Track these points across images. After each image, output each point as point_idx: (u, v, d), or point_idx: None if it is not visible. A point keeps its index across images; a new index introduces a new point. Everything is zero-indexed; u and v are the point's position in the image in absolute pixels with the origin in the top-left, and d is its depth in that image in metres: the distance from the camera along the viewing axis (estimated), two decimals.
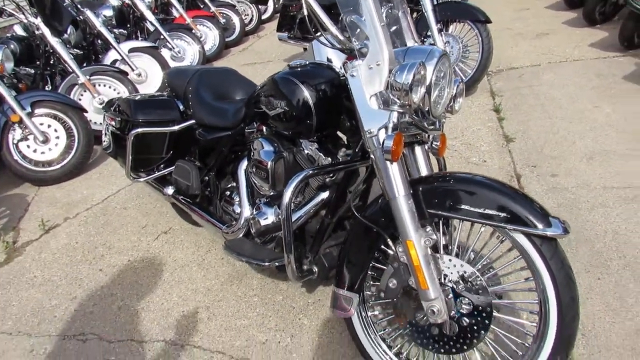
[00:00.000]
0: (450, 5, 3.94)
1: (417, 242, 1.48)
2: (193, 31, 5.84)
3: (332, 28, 1.57)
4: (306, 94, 1.71)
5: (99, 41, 5.00)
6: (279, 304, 2.24)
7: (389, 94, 1.44)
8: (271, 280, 2.38)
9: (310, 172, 1.66)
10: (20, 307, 2.47)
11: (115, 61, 4.87)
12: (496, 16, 6.27)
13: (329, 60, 1.89)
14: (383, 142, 1.40)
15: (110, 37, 4.74)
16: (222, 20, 6.67)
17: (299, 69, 1.79)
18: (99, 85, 4.35)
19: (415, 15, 4.12)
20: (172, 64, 5.47)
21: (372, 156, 1.50)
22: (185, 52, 5.75)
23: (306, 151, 1.91)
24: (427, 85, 1.45)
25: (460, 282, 1.55)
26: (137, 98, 2.48)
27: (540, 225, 1.38)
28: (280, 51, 6.57)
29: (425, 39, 4.00)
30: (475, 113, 3.82)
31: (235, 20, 7.00)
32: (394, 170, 1.48)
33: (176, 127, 2.38)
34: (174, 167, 2.48)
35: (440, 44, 3.89)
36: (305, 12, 1.59)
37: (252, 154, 1.98)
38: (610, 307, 1.97)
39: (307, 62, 1.83)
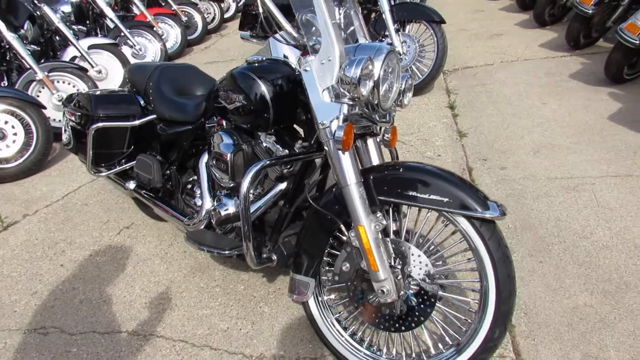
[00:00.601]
0: (406, 6, 4.09)
1: (367, 226, 1.57)
2: (154, 29, 5.81)
3: (287, 26, 1.66)
4: (263, 88, 1.78)
5: (57, 37, 4.92)
6: (240, 294, 2.30)
7: (339, 88, 1.53)
8: (233, 271, 2.45)
9: (267, 162, 1.73)
10: None
11: (74, 58, 4.82)
12: (452, 18, 6.51)
13: (285, 56, 1.96)
14: (334, 133, 1.49)
15: (68, 34, 4.68)
16: (184, 18, 6.65)
17: (256, 64, 1.86)
18: (58, 82, 4.30)
19: (374, 15, 4.25)
20: (133, 61, 5.44)
21: (325, 147, 1.59)
22: (147, 50, 5.72)
23: (264, 144, 1.98)
24: (375, 80, 1.55)
25: (407, 264, 1.66)
26: (97, 93, 2.49)
27: (479, 209, 1.50)
28: (243, 50, 6.61)
29: (384, 39, 4.13)
30: (431, 110, 3.97)
31: (198, 18, 6.99)
32: (346, 160, 1.57)
33: (137, 122, 2.41)
34: (135, 161, 2.51)
35: (397, 43, 4.02)
36: (261, 10, 1.68)
37: (212, 147, 2.04)
38: (550, 288, 2.12)
39: (264, 58, 1.90)
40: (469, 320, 1.64)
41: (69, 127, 2.65)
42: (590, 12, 4.29)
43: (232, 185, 2.01)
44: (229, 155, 1.93)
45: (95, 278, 2.54)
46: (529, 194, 2.76)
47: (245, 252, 1.76)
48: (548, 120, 3.53)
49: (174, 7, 6.54)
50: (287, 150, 1.93)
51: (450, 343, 1.68)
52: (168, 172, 2.43)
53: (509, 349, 1.85)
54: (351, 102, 1.53)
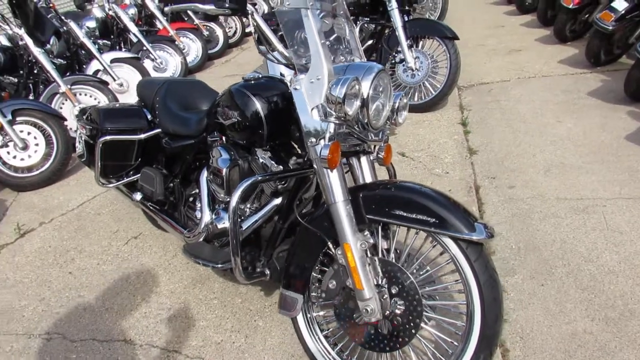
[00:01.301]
0: (419, 22, 4.09)
1: (353, 244, 1.58)
2: (176, 43, 5.96)
3: (278, 45, 1.69)
4: (257, 105, 1.82)
5: (83, 51, 5.10)
6: (237, 307, 2.32)
7: (327, 106, 1.55)
8: (232, 284, 2.47)
9: (258, 178, 1.76)
10: None
11: (97, 71, 4.98)
12: (471, 33, 6.49)
13: (281, 74, 1.99)
14: (320, 152, 1.51)
15: (92, 48, 4.85)
16: (206, 33, 6.80)
17: (252, 82, 1.90)
18: (80, 94, 4.45)
19: (387, 31, 4.26)
20: (154, 74, 5.59)
21: (314, 164, 1.61)
22: (168, 64, 5.87)
23: (260, 159, 2.01)
24: (364, 99, 1.56)
25: (394, 283, 1.65)
26: (106, 107, 2.57)
27: (465, 230, 1.48)
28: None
29: (396, 55, 4.15)
30: (443, 126, 3.95)
31: (219, 32, 7.14)
32: (333, 178, 1.58)
33: (142, 136, 2.47)
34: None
35: (410, 59, 4.04)
36: (253, 30, 1.71)
37: (210, 161, 2.08)
38: (549, 312, 2.07)
39: (261, 76, 1.93)
40: (455, 343, 1.62)
41: (82, 139, 2.74)
42: (611, 28, 4.22)
43: (228, 199, 2.04)
44: (224, 169, 1.96)
45: (100, 286, 2.60)
46: (536, 214, 2.70)
47: (234, 266, 1.78)
48: (562, 139, 3.46)
49: (196, 21, 6.70)
50: (281, 167, 1.95)
51: None
52: (172, 185, 2.48)
53: None
54: (337, 121, 1.55)
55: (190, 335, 2.19)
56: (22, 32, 4.16)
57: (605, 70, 4.60)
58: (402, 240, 1.76)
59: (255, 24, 1.70)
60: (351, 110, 1.51)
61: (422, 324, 1.63)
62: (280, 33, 1.73)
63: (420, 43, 4.23)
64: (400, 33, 4.01)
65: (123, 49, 5.85)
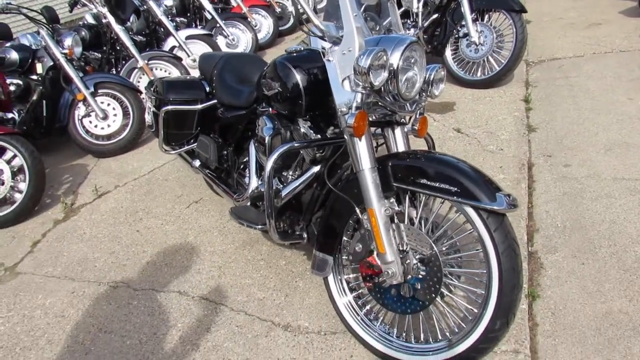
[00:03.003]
0: None
1: (378, 210, 1.66)
2: (248, 20, 6.16)
3: (315, 20, 1.77)
4: (297, 77, 1.92)
5: (161, 29, 5.43)
6: (281, 268, 2.48)
7: (354, 77, 1.62)
8: (278, 248, 2.63)
9: (294, 145, 1.87)
10: (70, 257, 2.88)
11: (173, 47, 5.29)
12: (550, 6, 6.16)
13: (322, 47, 2.07)
14: (347, 120, 1.59)
15: (169, 25, 5.15)
16: (278, 10, 6.94)
17: (294, 55, 2.00)
18: (156, 69, 4.77)
19: (452, 4, 4.17)
20: (227, 50, 5.83)
21: (344, 133, 1.70)
22: (240, 40, 6.09)
23: (302, 129, 2.12)
24: (391, 70, 1.62)
25: (418, 250, 1.71)
26: (170, 79, 2.79)
27: (487, 200, 1.52)
28: None
29: (460, 29, 4.07)
30: (504, 103, 3.85)
31: (291, 9, 7.25)
32: (360, 145, 1.67)
33: (200, 106, 2.66)
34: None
35: (473, 33, 3.95)
36: (291, 5, 1.81)
37: (256, 130, 2.22)
38: (586, 291, 2.04)
39: (302, 48, 2.03)
40: (475, 310, 1.67)
41: (150, 110, 2.98)
42: None
43: None
44: (267, 137, 2.10)
45: (162, 244, 2.86)
46: (588, 193, 2.62)
47: (268, 227, 1.92)
48: (630, 117, 3.28)
49: None
50: (319, 135, 2.05)
51: (456, 330, 1.71)
52: (225, 152, 2.66)
53: (526, 345, 1.84)
54: (364, 92, 1.61)
55: (237, 291, 2.38)
56: (105, 10, 4.52)
57: None
58: (432, 209, 1.81)
59: None
60: (377, 81, 1.57)
61: (443, 289, 1.69)
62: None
63: (487, 16, 4.11)
64: (465, 6, 3.93)
65: (199, 27, 6.14)
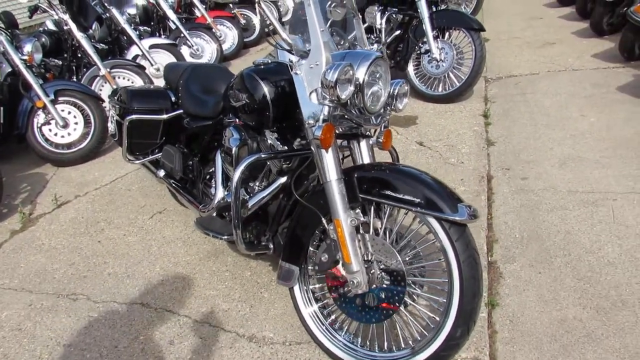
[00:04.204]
0: (446, 13, 4.12)
1: (344, 221, 1.69)
2: (213, 30, 6.15)
3: (282, 32, 1.80)
4: (265, 89, 1.93)
5: (124, 37, 5.36)
6: (246, 279, 2.48)
7: (321, 90, 1.66)
8: (243, 258, 2.62)
9: (261, 156, 1.89)
10: (27, 268, 2.79)
11: (137, 56, 5.23)
12: (507, 25, 6.42)
13: (290, 60, 2.10)
14: (314, 132, 1.62)
15: (132, 34, 5.10)
16: (243, 21, 6.96)
17: (261, 67, 2.02)
18: (119, 77, 4.70)
19: (414, 22, 4.30)
20: (190, 60, 5.80)
21: (311, 145, 1.73)
22: (204, 50, 6.07)
23: (269, 140, 2.14)
24: (357, 84, 1.66)
25: (383, 260, 1.75)
26: (134, 88, 2.76)
27: (448, 211, 1.57)
28: None
29: (422, 45, 4.19)
30: (464, 117, 3.98)
31: (256, 21, 7.28)
32: (327, 157, 1.70)
33: (165, 116, 2.64)
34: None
35: (434, 50, 4.07)
36: (258, 18, 1.83)
37: (223, 140, 2.23)
38: (542, 299, 2.12)
39: (270, 61, 2.05)
40: (437, 318, 1.71)
41: (114, 119, 2.94)
42: None
43: None
44: (234, 148, 2.10)
45: (124, 255, 2.81)
46: (544, 205, 2.73)
47: (235, 237, 1.92)
48: (582, 133, 3.44)
49: (234, 10, 6.85)
50: (286, 147, 2.07)
51: (419, 338, 1.75)
52: (191, 163, 2.65)
53: (485, 352, 1.89)
54: (331, 105, 1.65)
55: (201, 302, 2.35)
56: (66, 17, 4.44)
57: (639, 65, 4.48)
58: (396, 220, 1.86)
59: (261, 11, 1.82)
60: (343, 94, 1.60)
61: (407, 299, 1.74)
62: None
63: (447, 34, 4.25)
64: (427, 24, 4.05)
65: (162, 36, 6.09)
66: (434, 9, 4.14)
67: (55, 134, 4.08)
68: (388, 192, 1.66)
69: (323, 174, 1.71)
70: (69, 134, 4.11)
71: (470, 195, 2.89)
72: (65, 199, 3.56)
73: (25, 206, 3.52)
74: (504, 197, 2.86)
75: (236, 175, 1.82)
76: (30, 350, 2.18)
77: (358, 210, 1.76)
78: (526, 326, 2.00)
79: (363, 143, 1.94)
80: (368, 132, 1.95)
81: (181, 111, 2.66)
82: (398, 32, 4.48)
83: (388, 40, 4.44)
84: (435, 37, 4.10)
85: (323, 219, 1.80)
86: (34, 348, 2.19)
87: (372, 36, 4.60)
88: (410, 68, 4.44)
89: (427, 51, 4.15)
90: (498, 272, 2.31)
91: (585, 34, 5.61)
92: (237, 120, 2.27)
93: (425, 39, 4.12)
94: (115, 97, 2.89)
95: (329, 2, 1.96)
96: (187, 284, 2.49)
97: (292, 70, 1.77)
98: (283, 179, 2.12)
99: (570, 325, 1.97)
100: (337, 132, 1.86)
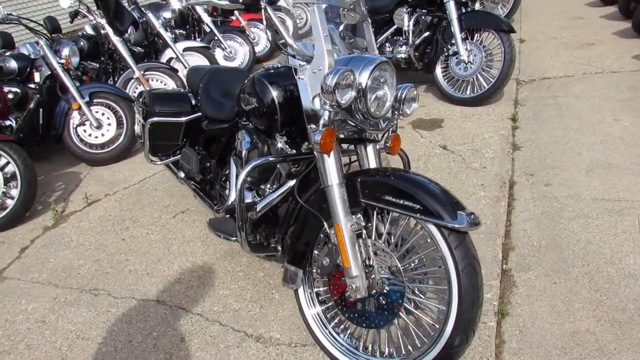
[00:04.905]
0: (475, 14, 4.04)
1: (344, 225, 1.69)
2: (246, 33, 6.25)
3: (287, 38, 1.82)
4: (273, 93, 1.96)
5: (160, 40, 5.52)
6: (258, 280, 2.51)
7: (322, 95, 1.67)
8: (258, 259, 2.66)
9: (269, 159, 1.92)
10: (55, 263, 2.93)
11: (171, 59, 5.37)
12: (546, 26, 6.23)
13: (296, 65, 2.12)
14: (315, 136, 1.64)
15: (167, 37, 5.24)
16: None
17: (271, 71, 2.05)
18: (152, 80, 4.85)
19: (443, 23, 4.23)
20: (224, 63, 5.92)
21: (313, 149, 1.74)
22: (237, 53, 6.17)
23: (278, 144, 2.17)
24: (359, 89, 1.66)
25: (383, 265, 1.74)
26: (157, 91, 2.85)
27: (448, 218, 1.55)
28: None
29: (450, 47, 4.12)
30: (491, 121, 3.89)
31: (289, 23, 7.34)
32: (328, 161, 1.71)
33: (184, 118, 2.72)
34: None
35: (463, 52, 4.00)
36: (265, 24, 1.86)
37: (235, 143, 2.27)
38: (555, 310, 2.06)
39: (280, 66, 2.08)
40: (436, 325, 1.69)
41: (139, 121, 3.04)
42: None
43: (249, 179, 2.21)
44: (244, 151, 2.15)
45: (145, 253, 2.90)
46: (566, 213, 2.64)
47: (239, 238, 1.96)
48: (614, 138, 3.30)
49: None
50: (294, 150, 2.09)
51: (419, 345, 1.73)
52: (208, 164, 2.71)
53: None
54: (332, 109, 1.66)
55: (214, 301, 2.41)
56: (103, 21, 4.62)
57: None
58: (399, 226, 1.84)
59: (267, 16, 1.85)
60: (343, 99, 1.61)
61: (407, 305, 1.72)
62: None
63: (476, 36, 4.16)
64: (455, 25, 3.99)
65: (197, 39, 6.23)
66: (464, 10, 4.07)
67: (90, 135, 4.25)
68: (389, 198, 1.66)
69: (324, 178, 1.72)
70: (102, 135, 4.27)
71: (489, 201, 2.83)
72: (96, 197, 3.71)
73: (59, 204, 3.69)
74: (525, 203, 2.78)
75: (240, 177, 1.86)
76: (52, 342, 2.29)
77: (359, 215, 1.76)
78: (536, 337, 1.94)
79: (370, 148, 1.94)
80: (375, 137, 1.95)
81: (200, 114, 2.72)
82: (426, 34, 4.42)
83: (416, 42, 4.39)
84: (464, 39, 4.03)
85: (325, 223, 1.81)
86: (55, 340, 2.30)
87: (400, 38, 4.57)
88: (438, 70, 4.37)
89: (456, 53, 4.08)
90: (511, 280, 2.25)
91: (627, 35, 5.37)
92: (250, 123, 2.32)
93: (453, 41, 4.05)
94: (140, 100, 2.99)
95: (341, 7, 1.98)
96: (202, 283, 2.55)
97: (296, 74, 1.79)
98: (292, 182, 2.13)
99: (582, 338, 1.90)
100: (341, 136, 1.87)
